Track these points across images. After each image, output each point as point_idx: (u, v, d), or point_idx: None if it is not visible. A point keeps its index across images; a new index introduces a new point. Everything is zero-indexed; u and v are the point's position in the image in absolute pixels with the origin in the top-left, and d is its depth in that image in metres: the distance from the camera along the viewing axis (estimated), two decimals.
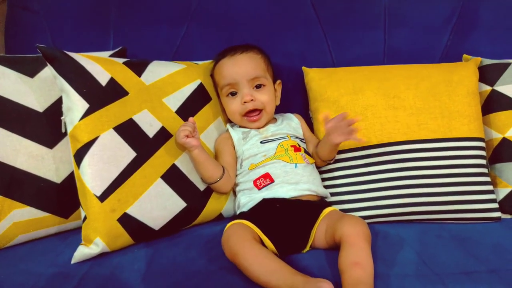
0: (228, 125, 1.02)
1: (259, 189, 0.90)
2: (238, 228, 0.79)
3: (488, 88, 1.05)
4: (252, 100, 0.96)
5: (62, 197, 0.86)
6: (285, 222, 0.83)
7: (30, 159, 0.83)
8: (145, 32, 1.12)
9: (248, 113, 0.98)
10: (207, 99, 1.00)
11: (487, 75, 1.06)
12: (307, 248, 0.83)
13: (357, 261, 0.70)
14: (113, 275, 0.73)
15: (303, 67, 1.10)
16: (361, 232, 0.75)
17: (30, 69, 0.88)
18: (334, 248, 0.78)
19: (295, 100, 1.13)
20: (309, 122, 1.08)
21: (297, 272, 0.70)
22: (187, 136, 0.86)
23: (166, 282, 0.72)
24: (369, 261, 0.71)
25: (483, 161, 0.97)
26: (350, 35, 1.16)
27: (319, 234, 0.83)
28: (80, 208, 0.81)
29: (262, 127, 0.99)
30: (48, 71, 0.86)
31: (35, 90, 0.86)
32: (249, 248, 0.74)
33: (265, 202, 0.88)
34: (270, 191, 0.89)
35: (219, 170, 0.92)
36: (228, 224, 0.82)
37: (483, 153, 0.97)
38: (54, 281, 0.72)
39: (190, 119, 0.89)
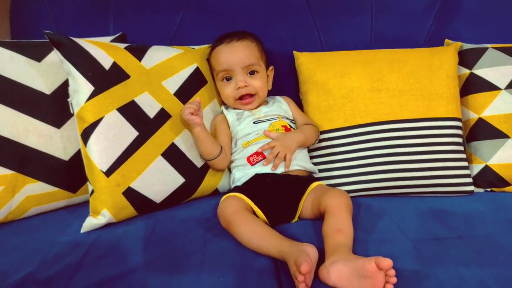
0: (222, 107, 1.08)
1: (252, 165, 0.97)
2: (233, 200, 0.87)
3: (466, 71, 1.11)
4: (246, 86, 1.02)
5: (70, 173, 0.93)
6: (276, 194, 0.91)
7: (40, 138, 0.90)
8: (143, 18, 1.16)
9: (242, 97, 1.05)
10: (203, 82, 1.06)
11: (466, 59, 1.12)
12: (296, 218, 0.91)
13: (339, 228, 0.78)
14: (119, 243, 0.81)
15: (294, 52, 1.15)
16: (343, 203, 0.83)
17: (37, 54, 0.93)
18: (320, 218, 0.85)
19: (287, 83, 1.19)
20: (300, 104, 1.15)
21: (285, 237, 0.78)
22: (192, 114, 0.93)
23: (167, 248, 0.79)
24: (349, 228, 0.79)
25: (460, 140, 1.05)
26: (338, 21, 1.22)
27: (306, 205, 0.90)
28: (88, 183, 0.88)
29: (254, 109, 1.06)
30: (54, 56, 0.92)
31: (43, 74, 0.92)
32: (242, 217, 0.82)
33: (257, 177, 0.95)
34: (262, 167, 0.96)
35: (217, 148, 0.99)
36: (224, 197, 0.89)
37: (459, 132, 1.05)
38: (67, 247, 0.79)
39: (197, 99, 0.96)
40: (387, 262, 0.64)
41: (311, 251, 0.71)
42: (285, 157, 0.96)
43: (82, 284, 0.68)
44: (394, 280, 0.65)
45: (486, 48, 1.11)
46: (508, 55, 1.09)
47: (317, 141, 1.05)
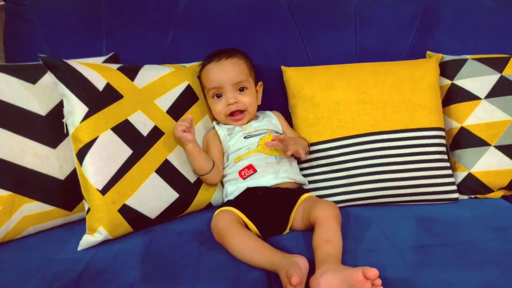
0: (214, 123, 1.12)
1: (244, 178, 1.00)
2: (225, 214, 0.90)
3: (448, 82, 1.16)
4: (236, 102, 1.06)
5: (66, 192, 0.95)
6: (267, 207, 0.94)
7: (36, 159, 0.92)
8: (135, 38, 1.19)
9: (232, 113, 1.08)
10: (195, 99, 1.09)
11: (447, 70, 1.16)
12: (287, 230, 0.94)
13: (328, 239, 0.81)
14: (116, 259, 0.83)
15: (281, 66, 1.19)
16: (332, 214, 0.86)
17: (31, 76, 0.95)
18: (310, 230, 0.88)
19: (276, 97, 1.22)
20: (289, 117, 1.18)
21: (276, 250, 0.81)
22: (184, 131, 0.95)
23: (163, 262, 0.82)
24: (338, 239, 0.82)
25: (443, 148, 1.09)
26: (324, 35, 1.25)
27: (297, 217, 0.94)
28: (84, 201, 0.91)
29: (245, 124, 1.10)
30: (49, 78, 0.94)
31: (37, 96, 0.94)
32: (235, 231, 0.84)
33: (249, 191, 0.98)
34: (253, 181, 1.00)
35: (210, 163, 1.02)
36: (217, 211, 0.92)
37: (442, 141, 1.09)
38: (65, 265, 0.81)
39: (189, 116, 0.99)
40: (373, 272, 0.67)
41: (302, 262, 0.74)
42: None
43: None
44: None
45: (466, 59, 1.16)
46: (487, 66, 1.14)
47: (307, 155, 1.08)
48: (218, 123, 1.12)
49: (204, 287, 0.74)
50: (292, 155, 0.99)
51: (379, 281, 0.68)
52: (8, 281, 0.76)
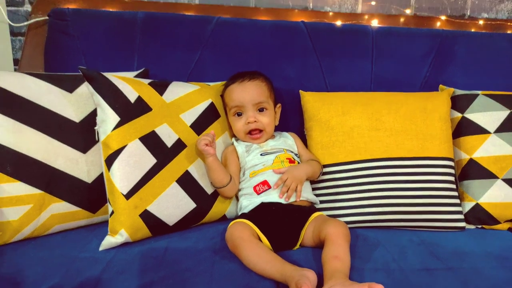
0: (233, 139, 1.18)
1: (258, 194, 1.05)
2: (240, 225, 0.94)
3: (459, 115, 1.21)
4: (255, 121, 1.12)
5: (91, 195, 1.01)
6: (279, 223, 0.98)
7: (67, 162, 0.98)
8: (164, 56, 1.27)
9: (251, 131, 1.14)
10: (217, 116, 1.16)
11: (459, 103, 1.22)
12: (297, 246, 0.98)
13: (336, 255, 0.85)
14: (135, 261, 0.88)
15: (300, 91, 1.25)
16: (341, 233, 0.90)
17: (69, 86, 1.03)
18: (320, 247, 0.92)
19: (293, 119, 1.28)
20: (305, 139, 1.23)
21: (287, 262, 0.85)
22: (206, 145, 1.02)
23: (178, 267, 0.86)
24: (347, 256, 0.86)
25: (452, 178, 1.13)
26: (342, 64, 1.32)
27: (307, 234, 0.98)
28: (108, 204, 0.97)
29: (262, 142, 1.15)
30: (84, 88, 1.03)
31: (73, 104, 1.02)
32: (248, 242, 0.89)
33: (263, 205, 1.03)
34: (267, 196, 1.04)
35: (227, 177, 1.07)
36: (231, 222, 0.97)
37: (451, 171, 1.13)
38: (86, 263, 0.86)
39: (212, 131, 1.05)
40: (378, 287, 0.71)
41: (311, 275, 0.78)
42: (296, 188, 1.04)
43: None
44: None
45: (477, 95, 1.21)
46: (497, 102, 1.19)
47: (320, 176, 1.13)
48: (237, 139, 1.18)
49: None
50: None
51: None
52: (35, 274, 0.82)
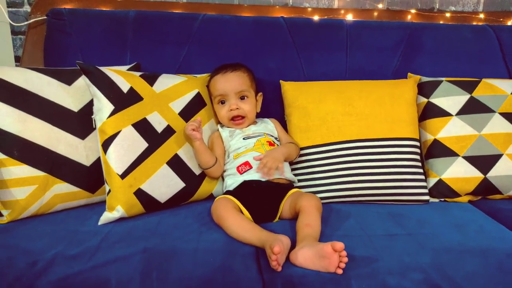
0: (218, 125, 1.29)
1: (241, 173, 1.16)
2: (224, 200, 1.06)
3: (425, 100, 1.32)
4: (237, 108, 1.23)
5: (90, 177, 1.12)
6: (260, 198, 1.09)
7: (67, 147, 1.09)
8: (155, 51, 1.37)
9: (234, 118, 1.25)
10: (203, 104, 1.27)
11: (425, 89, 1.33)
12: (277, 219, 1.10)
13: (308, 223, 0.96)
14: (130, 232, 0.99)
15: (280, 81, 1.36)
16: (314, 204, 1.02)
17: (68, 79, 1.13)
18: (296, 218, 1.02)
19: (274, 107, 1.38)
20: (285, 125, 1.34)
21: (264, 229, 0.96)
22: (193, 130, 1.12)
23: (169, 237, 0.97)
24: (317, 224, 0.97)
25: (417, 156, 1.24)
26: (319, 56, 1.42)
27: (285, 208, 1.09)
28: (105, 184, 1.07)
29: (245, 128, 1.27)
30: (81, 81, 1.13)
31: (72, 95, 1.12)
32: (231, 214, 1.00)
33: (245, 183, 1.14)
34: (249, 175, 1.16)
35: (213, 159, 1.18)
36: (216, 198, 1.08)
37: (417, 150, 1.25)
38: (87, 235, 0.97)
39: (198, 118, 1.16)
40: (339, 245, 0.82)
41: (284, 239, 0.89)
42: (277, 167, 1.13)
43: (102, 259, 0.86)
44: (345, 260, 0.83)
45: (441, 81, 1.32)
46: (458, 87, 1.30)
47: (297, 157, 1.24)
48: (222, 126, 1.29)
49: (203, 255, 0.90)
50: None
51: (344, 253, 0.83)
52: (42, 244, 0.92)
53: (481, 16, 1.53)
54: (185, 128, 1.14)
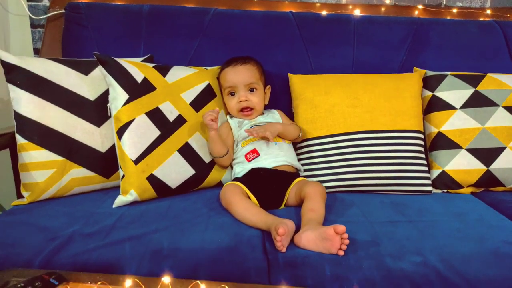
0: (228, 116, 1.33)
1: (249, 161, 1.21)
2: (232, 186, 1.10)
3: (429, 94, 1.35)
4: (246, 100, 1.27)
5: (105, 162, 1.17)
6: (267, 185, 1.14)
7: (84, 134, 1.15)
8: (167, 43, 1.42)
9: (243, 109, 1.29)
10: (213, 95, 1.31)
11: (430, 83, 1.35)
12: (282, 206, 1.14)
13: (312, 208, 1.01)
14: (143, 214, 1.05)
15: (288, 74, 1.40)
16: (318, 191, 1.06)
17: (85, 69, 1.19)
18: (301, 205, 1.07)
19: (282, 99, 1.42)
20: (292, 116, 1.38)
21: (270, 214, 1.01)
22: (212, 120, 1.17)
23: (179, 219, 1.02)
24: (321, 209, 1.02)
25: (421, 148, 1.27)
26: (326, 50, 1.45)
27: (291, 195, 1.13)
28: (119, 169, 1.13)
29: (253, 119, 1.31)
30: (98, 71, 1.19)
31: (89, 84, 1.18)
32: (239, 198, 1.05)
33: (253, 171, 1.19)
34: (257, 163, 1.20)
35: (225, 149, 1.23)
36: (225, 184, 1.13)
37: (420, 142, 1.28)
38: (103, 216, 1.03)
39: (216, 109, 1.20)
40: (341, 228, 0.86)
41: (289, 223, 0.93)
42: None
43: (116, 237, 0.92)
44: (347, 241, 0.87)
45: (446, 75, 1.35)
46: (463, 81, 1.32)
47: (300, 138, 1.28)
48: (231, 116, 1.33)
49: (211, 236, 0.94)
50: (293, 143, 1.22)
51: (346, 235, 0.87)
52: (60, 223, 0.98)
53: (488, 12, 1.54)
54: (204, 116, 1.18)
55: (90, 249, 0.88)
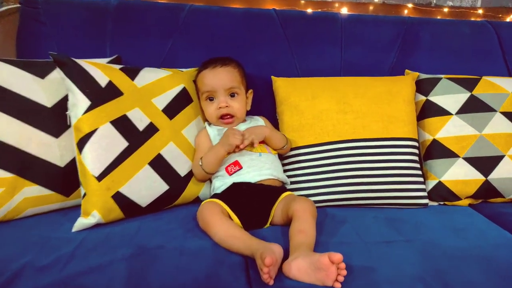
0: (206, 124, 1.20)
1: (230, 174, 1.09)
2: (210, 204, 0.98)
3: (423, 98, 1.26)
4: (226, 106, 1.15)
5: (64, 178, 1.02)
6: (250, 202, 1.02)
7: (40, 146, 1.00)
8: (137, 43, 1.29)
9: (223, 116, 1.17)
10: (189, 100, 1.18)
11: (423, 87, 1.27)
12: (268, 224, 1.02)
13: (301, 229, 0.89)
14: (107, 239, 0.91)
15: (272, 76, 1.29)
16: (307, 208, 0.95)
17: (41, 72, 1.04)
18: (289, 224, 0.95)
19: (265, 104, 1.31)
20: (276, 123, 1.27)
21: (254, 237, 0.88)
22: (238, 146, 1.06)
23: (150, 244, 0.89)
24: (312, 230, 0.90)
25: (415, 158, 1.18)
26: (312, 50, 1.36)
27: (277, 212, 1.01)
28: (80, 187, 0.99)
29: (234, 127, 1.18)
30: (56, 74, 1.04)
31: (45, 89, 1.03)
32: (217, 219, 0.92)
33: (234, 186, 1.07)
34: (239, 177, 1.08)
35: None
36: (203, 202, 1.00)
37: (415, 150, 1.18)
38: (59, 242, 0.88)
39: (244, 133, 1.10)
40: (337, 256, 0.75)
41: (277, 248, 0.82)
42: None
43: (75, 269, 0.78)
44: (344, 272, 0.76)
45: (440, 78, 1.26)
46: (458, 85, 1.24)
47: (285, 147, 1.16)
48: (209, 124, 1.20)
49: (186, 264, 0.82)
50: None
51: (343, 265, 0.76)
52: (9, 253, 0.83)
53: (480, 11, 1.47)
54: (234, 138, 1.07)
55: (44, 285, 0.75)
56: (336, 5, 1.45)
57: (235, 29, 1.34)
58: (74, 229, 0.94)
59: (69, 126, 1.02)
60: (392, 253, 0.89)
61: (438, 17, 1.47)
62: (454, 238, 0.97)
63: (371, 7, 1.46)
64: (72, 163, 1.02)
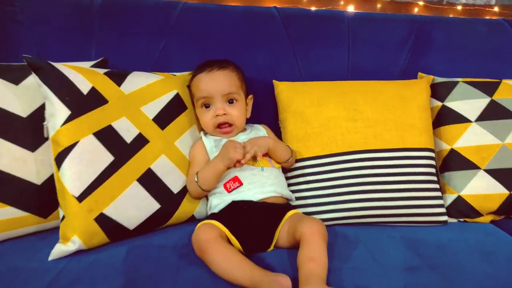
0: (201, 133, 1.09)
1: (229, 192, 0.97)
2: (207, 227, 0.86)
3: (439, 104, 1.15)
4: (224, 114, 1.04)
5: (42, 198, 0.91)
6: (252, 223, 0.91)
7: (12, 162, 0.88)
8: (126, 44, 1.18)
9: (220, 125, 1.06)
10: (183, 108, 1.07)
11: (438, 92, 1.16)
12: (272, 247, 0.91)
13: (312, 256, 0.78)
14: (89, 270, 0.79)
15: (273, 80, 1.18)
16: (317, 231, 0.84)
17: (15, 77, 0.93)
18: (296, 247, 0.84)
19: (266, 110, 1.21)
20: (279, 131, 1.16)
21: (258, 266, 0.77)
22: (239, 161, 0.94)
23: (139, 276, 0.78)
24: (323, 256, 0.79)
25: (433, 170, 1.07)
26: (317, 51, 1.26)
27: (282, 234, 0.90)
28: (59, 208, 0.87)
29: (233, 137, 1.07)
30: (33, 79, 0.92)
31: (20, 97, 0.92)
32: (216, 245, 0.81)
33: (234, 204, 0.95)
34: (239, 194, 0.97)
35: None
36: (198, 224, 0.89)
37: (432, 162, 1.08)
38: (34, 274, 0.77)
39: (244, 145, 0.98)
40: None
41: (284, 281, 0.71)
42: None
43: None
44: None
45: (457, 82, 1.16)
46: (477, 89, 1.14)
47: (290, 160, 1.05)
48: (205, 134, 1.09)
49: None
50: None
51: None
52: None
53: (496, 9, 1.37)
54: (232, 152, 0.94)
55: None
56: (342, 2, 1.35)
57: (233, 29, 1.24)
58: (51, 257, 0.83)
59: (46, 139, 0.91)
60: (415, 282, 0.78)
61: (451, 16, 1.36)
62: (482, 261, 0.87)
63: (379, 5, 1.36)
64: (50, 180, 0.91)
